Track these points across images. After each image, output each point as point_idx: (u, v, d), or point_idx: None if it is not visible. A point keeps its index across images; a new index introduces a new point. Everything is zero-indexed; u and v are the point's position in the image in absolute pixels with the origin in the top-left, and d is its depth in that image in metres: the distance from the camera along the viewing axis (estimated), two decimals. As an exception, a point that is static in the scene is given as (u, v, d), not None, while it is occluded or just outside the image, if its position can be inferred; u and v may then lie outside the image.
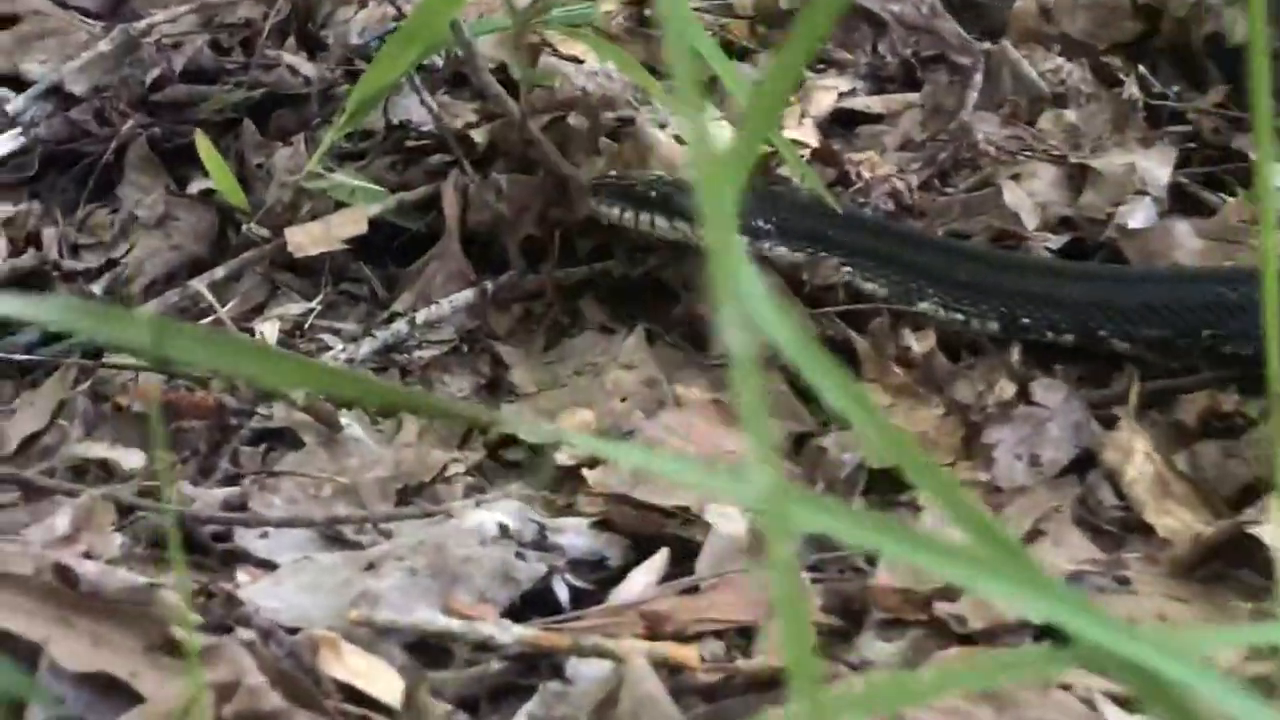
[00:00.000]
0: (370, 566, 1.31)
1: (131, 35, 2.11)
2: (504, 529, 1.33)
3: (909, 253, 1.65)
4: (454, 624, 1.22)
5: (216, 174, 1.81)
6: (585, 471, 1.42)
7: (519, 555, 1.31)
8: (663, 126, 1.79)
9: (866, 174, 1.73)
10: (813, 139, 1.75)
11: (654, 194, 1.69)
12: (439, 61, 2.01)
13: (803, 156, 1.70)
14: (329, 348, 1.70)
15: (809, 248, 1.65)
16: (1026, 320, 1.60)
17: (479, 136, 1.84)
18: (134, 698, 1.13)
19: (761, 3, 2.39)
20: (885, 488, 1.43)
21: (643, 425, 1.50)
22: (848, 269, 1.62)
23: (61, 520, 1.35)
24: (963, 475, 1.44)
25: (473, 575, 1.29)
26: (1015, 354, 1.59)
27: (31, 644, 1.18)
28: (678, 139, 1.77)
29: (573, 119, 1.80)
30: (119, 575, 1.25)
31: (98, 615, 1.22)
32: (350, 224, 1.75)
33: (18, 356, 1.70)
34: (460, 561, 1.29)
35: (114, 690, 1.14)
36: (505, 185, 1.76)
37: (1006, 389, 1.51)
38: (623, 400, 1.58)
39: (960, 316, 1.62)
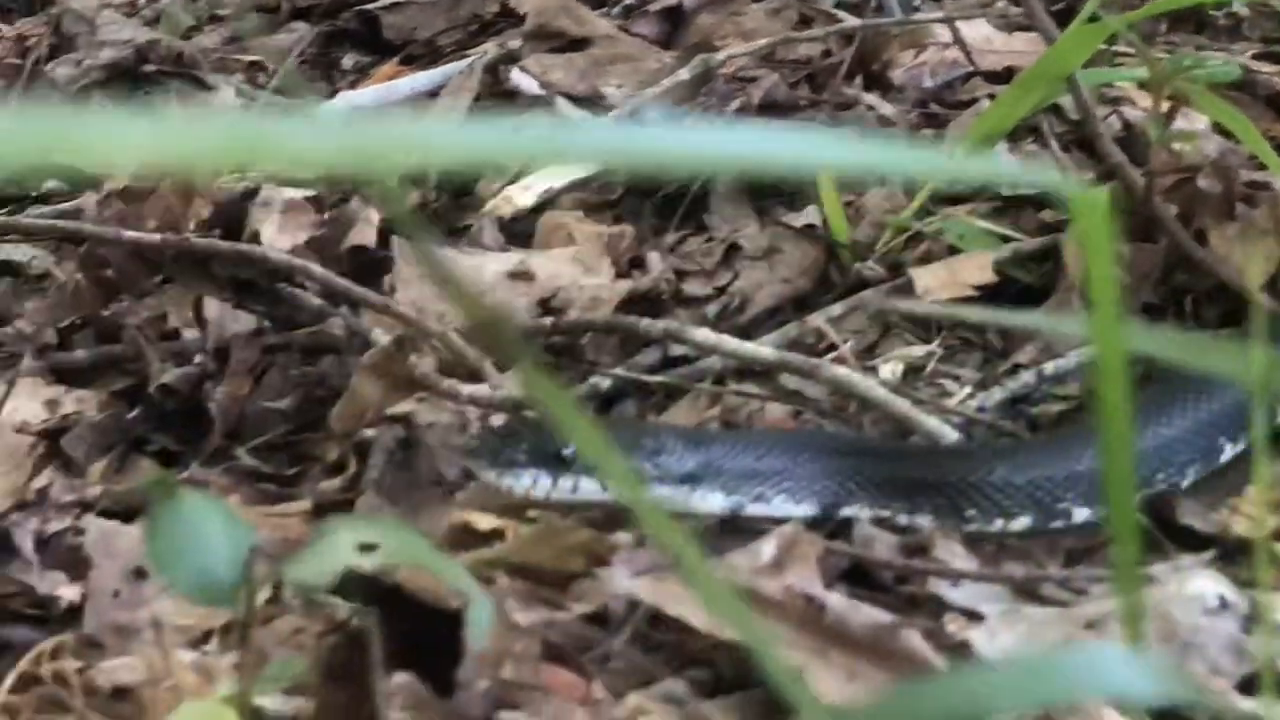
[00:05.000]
0: (1090, 625, 1.29)
1: (710, 66, 2.14)
2: (1223, 601, 1.30)
3: None
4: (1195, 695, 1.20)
5: (831, 210, 1.82)
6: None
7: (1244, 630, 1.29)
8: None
9: None
10: None
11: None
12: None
13: None
14: (949, 394, 1.69)
15: None
16: None
17: (1100, 194, 1.81)
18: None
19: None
20: None
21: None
22: None
23: (767, 548, 1.36)
24: None
25: (1206, 645, 1.27)
26: None
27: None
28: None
29: (1203, 181, 1.76)
30: (864, 610, 1.26)
31: (849, 649, 1.24)
32: (977, 270, 1.74)
33: (643, 377, 1.73)
34: (1191, 630, 1.27)
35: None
36: (1128, 253, 1.73)
37: None
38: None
39: None
